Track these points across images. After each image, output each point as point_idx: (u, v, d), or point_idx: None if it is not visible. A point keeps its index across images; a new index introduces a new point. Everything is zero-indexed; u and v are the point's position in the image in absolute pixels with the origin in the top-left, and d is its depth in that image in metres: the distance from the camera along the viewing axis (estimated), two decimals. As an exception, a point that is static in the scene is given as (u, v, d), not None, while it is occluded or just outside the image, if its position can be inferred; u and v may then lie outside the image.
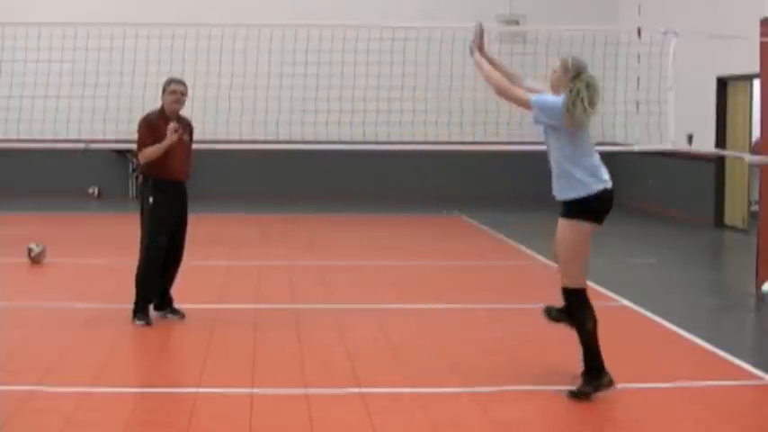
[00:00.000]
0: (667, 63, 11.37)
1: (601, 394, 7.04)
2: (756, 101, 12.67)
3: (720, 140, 16.89)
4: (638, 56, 15.05)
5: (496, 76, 7.28)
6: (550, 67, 7.18)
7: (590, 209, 7.03)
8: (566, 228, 7.04)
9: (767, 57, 11.18)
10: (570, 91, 6.91)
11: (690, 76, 15.66)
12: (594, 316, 7.14)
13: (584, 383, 7.03)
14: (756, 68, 11.59)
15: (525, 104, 7.05)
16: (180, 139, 9.13)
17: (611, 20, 20.29)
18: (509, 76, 7.48)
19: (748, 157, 12.71)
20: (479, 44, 7.54)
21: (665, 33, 11.09)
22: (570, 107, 6.88)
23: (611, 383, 7.00)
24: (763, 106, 11.31)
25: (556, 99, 6.99)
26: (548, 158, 7.11)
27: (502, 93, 7.17)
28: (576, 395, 7.01)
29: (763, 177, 11.42)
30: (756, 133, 13.11)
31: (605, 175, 7.13)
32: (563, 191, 7.04)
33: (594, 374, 7.01)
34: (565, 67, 7.12)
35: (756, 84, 13.07)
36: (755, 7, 13.64)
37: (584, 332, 7.08)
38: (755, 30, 11.52)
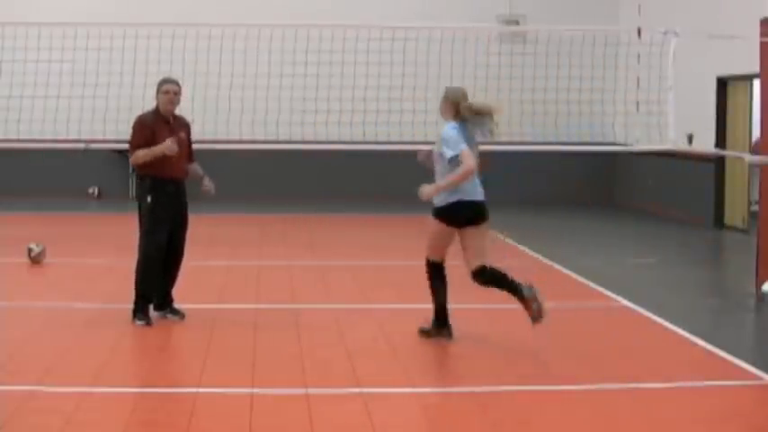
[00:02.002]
0: (667, 63, 11.39)
1: (614, 391, 7.03)
2: (756, 101, 12.67)
3: (720, 140, 16.88)
4: (638, 56, 15.07)
5: (458, 177, 8.43)
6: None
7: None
8: (432, 223, 8.79)
9: (767, 57, 11.18)
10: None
11: (690, 76, 15.66)
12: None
13: (432, 327, 8.71)
14: (756, 68, 11.60)
15: (471, 162, 8.44)
16: (177, 139, 9.14)
17: (611, 20, 20.29)
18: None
19: (748, 157, 12.71)
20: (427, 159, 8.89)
21: (665, 33, 11.10)
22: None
23: (450, 335, 8.65)
24: (763, 106, 11.31)
25: (450, 133, 8.49)
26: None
27: (468, 177, 8.50)
28: (423, 332, 8.71)
29: (763, 177, 11.42)
30: (756, 133, 13.11)
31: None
32: (435, 198, 8.65)
33: (441, 324, 8.70)
34: (445, 98, 8.77)
35: (756, 84, 13.07)
36: (755, 7, 13.64)
37: (439, 293, 8.81)
38: (755, 30, 11.53)
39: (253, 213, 18.00)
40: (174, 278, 9.37)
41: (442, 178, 8.50)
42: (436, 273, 8.80)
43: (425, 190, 8.53)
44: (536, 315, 8.42)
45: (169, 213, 9.14)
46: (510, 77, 16.59)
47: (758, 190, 11.91)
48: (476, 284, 8.65)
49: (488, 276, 8.58)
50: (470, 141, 8.55)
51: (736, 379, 7.70)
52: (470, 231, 8.57)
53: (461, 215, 8.56)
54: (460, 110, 8.56)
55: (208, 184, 9.42)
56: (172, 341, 8.91)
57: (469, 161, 8.32)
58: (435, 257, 8.80)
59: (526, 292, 8.48)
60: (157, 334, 8.91)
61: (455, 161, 8.33)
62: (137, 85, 13.66)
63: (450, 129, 8.49)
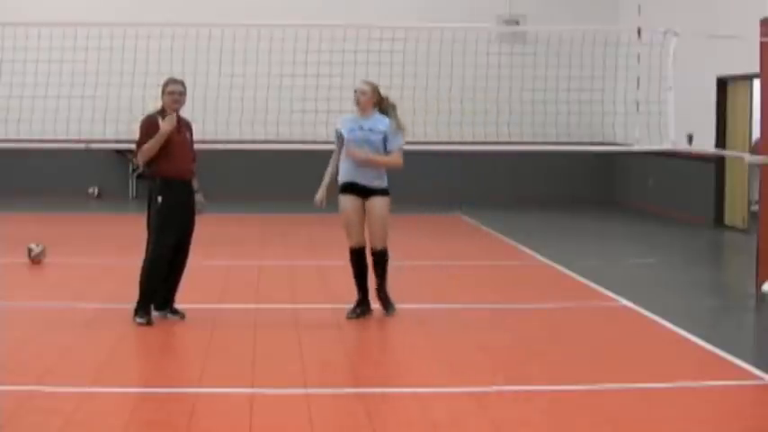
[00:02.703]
0: (667, 63, 11.39)
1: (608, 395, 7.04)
2: (756, 101, 12.67)
3: (720, 140, 16.88)
4: (638, 56, 15.06)
5: (389, 160, 9.44)
6: (359, 90, 9.49)
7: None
8: (384, 203, 9.39)
9: (767, 57, 11.18)
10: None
11: (690, 76, 15.66)
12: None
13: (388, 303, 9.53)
14: (756, 68, 11.60)
15: (399, 161, 9.50)
16: (181, 138, 9.14)
17: (611, 20, 20.29)
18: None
19: (748, 157, 12.71)
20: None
21: (665, 33, 11.10)
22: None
23: (393, 309, 9.47)
24: (763, 106, 11.31)
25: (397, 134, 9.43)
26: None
27: (397, 168, 9.47)
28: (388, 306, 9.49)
29: (763, 177, 11.42)
30: (756, 133, 13.11)
31: None
32: (374, 182, 9.37)
33: (390, 302, 9.50)
34: (375, 90, 9.48)
35: (756, 84, 13.07)
36: (755, 7, 13.63)
37: (385, 277, 9.55)
38: (755, 30, 11.53)
39: (253, 213, 17.99)
40: (179, 279, 9.36)
41: (377, 171, 9.43)
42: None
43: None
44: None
45: (179, 214, 9.15)
46: (510, 77, 16.59)
47: (758, 190, 11.91)
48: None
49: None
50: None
51: (736, 379, 7.70)
52: None
53: None
54: (385, 102, 9.50)
55: (200, 200, 9.42)
56: (172, 341, 8.91)
57: (400, 160, 9.48)
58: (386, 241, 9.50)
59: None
60: (157, 334, 8.90)
61: (395, 149, 9.36)
62: (137, 85, 13.66)
63: (390, 121, 9.41)
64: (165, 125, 9.00)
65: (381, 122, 9.38)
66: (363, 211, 9.37)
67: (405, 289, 11.11)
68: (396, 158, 9.39)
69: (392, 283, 11.48)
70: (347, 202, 9.44)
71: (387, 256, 9.47)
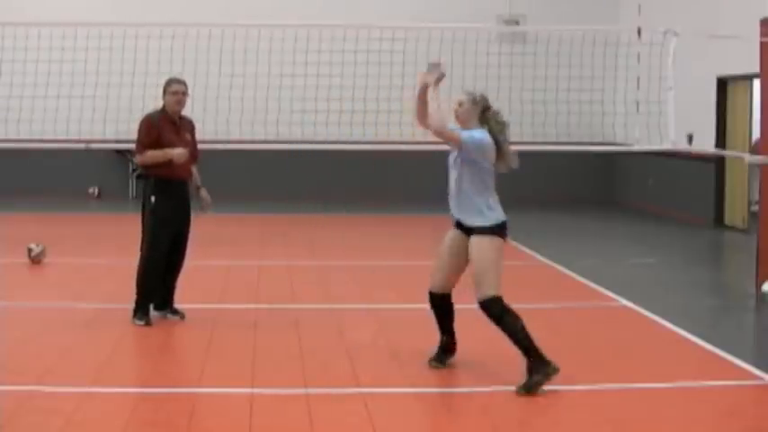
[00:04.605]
0: (667, 63, 11.37)
1: (621, 397, 7.04)
2: (756, 101, 12.67)
3: (720, 140, 16.88)
4: (638, 56, 15.05)
5: (437, 117, 7.60)
6: (455, 102, 7.68)
7: (501, 231, 7.56)
8: (482, 243, 7.47)
9: (767, 57, 11.18)
10: (497, 133, 7.57)
11: (690, 76, 15.66)
12: (517, 314, 7.44)
13: (532, 375, 7.21)
14: (756, 68, 11.60)
15: (457, 143, 7.49)
16: (180, 139, 9.14)
17: (611, 20, 20.29)
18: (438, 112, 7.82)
19: (748, 157, 12.71)
20: (434, 83, 7.70)
21: (665, 33, 11.08)
22: (500, 149, 7.56)
23: (556, 370, 7.23)
24: (763, 106, 11.31)
25: (483, 136, 7.50)
26: (458, 182, 7.59)
27: (439, 133, 7.54)
28: (528, 388, 7.15)
29: (763, 177, 11.43)
30: (756, 133, 13.12)
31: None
32: (473, 220, 7.55)
33: (540, 364, 7.23)
34: (473, 101, 7.67)
35: (756, 84, 13.07)
36: (755, 7, 13.64)
37: (515, 332, 7.37)
38: (755, 30, 11.53)
39: (253, 213, 18.00)
40: (176, 279, 9.36)
41: (467, 186, 7.58)
42: (504, 307, 7.48)
43: (427, 78, 7.64)
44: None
45: (173, 214, 9.14)
46: (510, 77, 16.57)
47: (758, 190, 11.91)
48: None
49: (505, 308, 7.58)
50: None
51: (736, 379, 7.70)
52: None
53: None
54: (488, 117, 7.66)
55: (205, 197, 9.43)
56: (172, 341, 8.91)
57: (458, 141, 7.52)
58: (498, 290, 7.46)
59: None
60: (157, 334, 8.91)
61: (462, 133, 7.57)
62: (137, 85, 13.65)
63: (484, 135, 7.56)
64: (177, 157, 8.99)
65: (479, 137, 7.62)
66: (463, 251, 7.63)
67: (405, 289, 11.13)
68: (453, 132, 7.55)
69: (392, 283, 11.51)
70: (448, 235, 7.84)
71: (498, 311, 7.42)
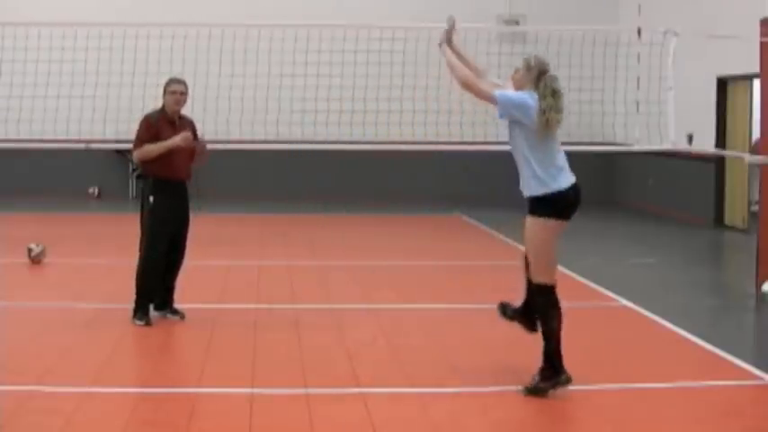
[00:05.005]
0: (667, 63, 11.37)
1: (610, 397, 7.04)
2: (756, 101, 12.67)
3: (720, 140, 16.89)
4: (638, 56, 15.05)
5: (462, 68, 7.36)
6: (513, 68, 7.34)
7: (556, 206, 7.09)
8: (533, 225, 7.17)
9: (767, 57, 11.18)
10: (540, 97, 7.07)
11: (690, 76, 15.66)
12: (561, 316, 7.16)
13: (541, 379, 7.08)
14: (756, 68, 11.60)
15: (490, 99, 7.11)
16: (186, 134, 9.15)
17: (611, 20, 20.29)
18: (475, 70, 7.66)
19: (748, 157, 12.71)
20: (449, 37, 7.70)
21: (665, 33, 11.08)
22: (542, 115, 7.05)
23: (568, 381, 7.06)
24: (763, 106, 11.31)
25: (521, 95, 7.11)
26: (511, 146, 7.23)
27: (467, 86, 7.21)
28: (534, 391, 7.06)
29: (763, 177, 11.42)
30: (756, 133, 13.11)
31: (569, 172, 7.21)
32: (529, 187, 7.14)
33: (553, 372, 7.07)
34: (527, 66, 7.22)
35: (756, 84, 13.07)
36: (755, 7, 13.64)
37: (549, 330, 7.12)
38: (755, 30, 11.53)
39: (253, 213, 17.99)
40: (175, 279, 9.36)
41: (515, 149, 7.20)
42: (551, 299, 7.17)
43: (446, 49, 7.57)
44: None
45: (171, 214, 9.14)
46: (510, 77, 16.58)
47: (758, 190, 11.91)
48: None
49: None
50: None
51: (736, 379, 7.70)
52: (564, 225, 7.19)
53: (572, 204, 7.16)
54: (541, 81, 7.13)
55: (201, 141, 9.32)
56: (172, 341, 8.91)
57: (488, 94, 7.07)
58: (548, 278, 7.17)
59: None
60: (157, 334, 8.90)
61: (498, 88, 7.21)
62: (137, 85, 13.65)
63: (529, 95, 7.10)
64: (179, 140, 8.98)
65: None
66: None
67: (405, 289, 11.13)
68: (483, 86, 7.24)
69: (392, 283, 11.50)
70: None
71: (542, 300, 7.17)
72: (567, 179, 7.11)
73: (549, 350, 7.09)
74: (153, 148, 9.02)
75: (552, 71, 7.29)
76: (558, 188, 7.06)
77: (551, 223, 7.10)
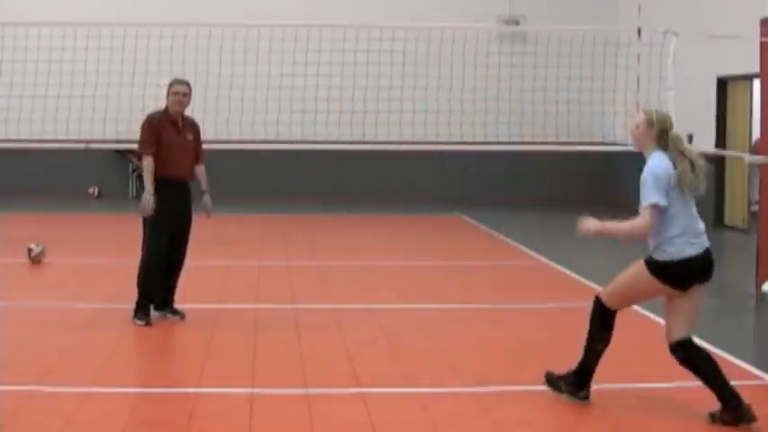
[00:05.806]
0: (667, 63, 11.39)
1: (597, 397, 7.04)
2: (756, 101, 12.67)
3: (720, 140, 16.89)
4: (638, 56, 15.07)
5: (623, 227, 7.07)
6: (632, 122, 7.12)
7: (662, 273, 6.89)
8: (637, 265, 6.99)
9: (767, 57, 11.18)
10: (674, 166, 6.95)
11: (690, 76, 15.67)
12: (608, 341, 7.00)
13: (565, 382, 7.01)
14: (756, 68, 11.60)
15: (653, 214, 6.97)
16: (181, 140, 9.14)
17: (611, 20, 20.30)
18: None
19: (748, 157, 12.71)
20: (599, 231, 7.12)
21: (665, 33, 11.10)
22: (680, 181, 7.02)
23: (585, 399, 6.96)
24: (763, 106, 11.31)
25: (653, 174, 7.03)
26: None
27: (640, 235, 6.96)
28: (552, 382, 7.01)
29: (763, 177, 11.43)
30: (756, 133, 13.11)
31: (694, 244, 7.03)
32: (651, 247, 6.96)
33: (576, 386, 6.98)
34: (649, 123, 7.05)
35: (756, 84, 13.07)
36: (755, 7, 13.64)
37: (591, 349, 6.99)
38: (755, 30, 11.53)
39: (253, 213, 18.00)
40: (177, 278, 9.36)
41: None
42: (605, 321, 6.97)
43: (588, 225, 7.06)
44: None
45: (173, 215, 9.13)
46: (510, 77, 16.60)
47: (758, 190, 11.91)
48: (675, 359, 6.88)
49: (691, 353, 6.82)
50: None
51: (736, 379, 7.66)
52: (696, 290, 6.93)
53: (692, 274, 6.95)
54: (666, 141, 7.08)
55: (207, 203, 9.42)
56: (172, 341, 8.91)
57: (647, 222, 6.87)
58: (614, 304, 7.01)
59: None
60: (157, 334, 8.90)
61: (641, 207, 6.99)
62: (137, 85, 13.68)
63: (656, 162, 7.04)
64: (145, 209, 9.00)
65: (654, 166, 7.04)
66: (672, 298, 6.98)
67: (405, 289, 11.13)
68: (631, 224, 6.96)
69: (392, 283, 11.51)
70: None
71: (600, 316, 6.96)
72: (679, 250, 6.95)
73: (583, 364, 6.97)
74: (147, 175, 9.05)
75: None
76: (668, 258, 6.90)
77: (648, 276, 6.91)
